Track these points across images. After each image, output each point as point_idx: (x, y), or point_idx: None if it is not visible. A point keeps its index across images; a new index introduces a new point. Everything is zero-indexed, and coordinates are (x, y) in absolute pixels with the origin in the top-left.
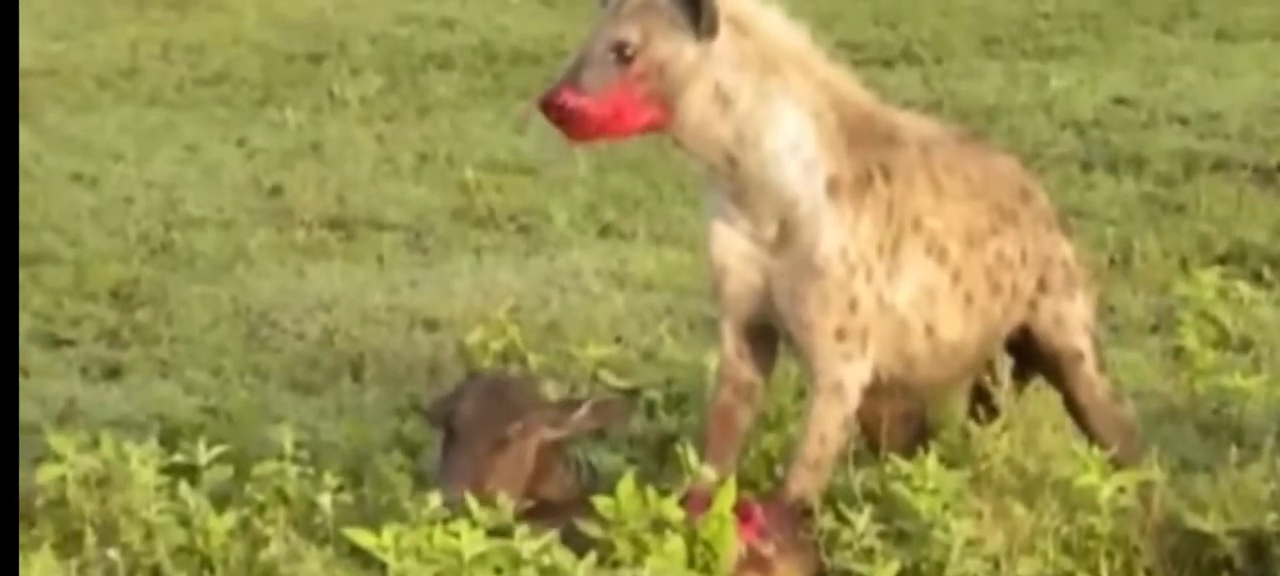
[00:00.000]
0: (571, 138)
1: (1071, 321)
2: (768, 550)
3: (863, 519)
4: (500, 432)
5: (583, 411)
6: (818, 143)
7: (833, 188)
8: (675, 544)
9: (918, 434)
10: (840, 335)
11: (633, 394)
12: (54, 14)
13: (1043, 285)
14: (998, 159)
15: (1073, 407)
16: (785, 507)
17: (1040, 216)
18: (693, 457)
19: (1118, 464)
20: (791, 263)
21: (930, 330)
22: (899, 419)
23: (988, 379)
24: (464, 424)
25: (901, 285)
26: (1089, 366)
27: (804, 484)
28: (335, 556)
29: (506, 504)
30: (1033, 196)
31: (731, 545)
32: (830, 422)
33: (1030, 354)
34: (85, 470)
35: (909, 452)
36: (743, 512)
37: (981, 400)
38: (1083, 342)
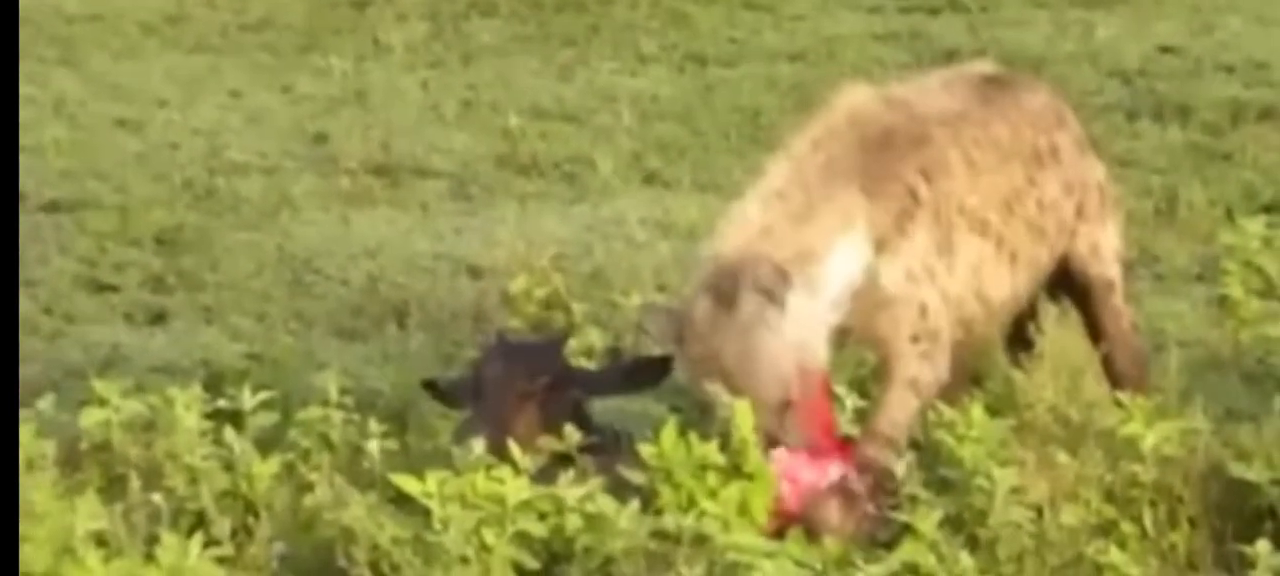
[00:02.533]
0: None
1: (1106, 250)
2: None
3: (905, 466)
4: (526, 387)
5: (616, 376)
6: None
7: (881, 245)
8: (731, 490)
9: (964, 381)
10: (914, 339)
11: (665, 359)
12: None
13: (1080, 210)
14: (1024, 97)
15: (1095, 334)
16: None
17: (1076, 141)
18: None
19: (1135, 395)
20: (863, 303)
21: (982, 296)
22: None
23: (1031, 326)
24: (491, 379)
25: (957, 269)
26: (1118, 296)
27: (874, 453)
28: (379, 502)
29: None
30: (1067, 121)
31: (772, 488)
32: (902, 411)
33: (1062, 280)
34: (130, 415)
35: (955, 399)
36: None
37: (1019, 340)
38: (1114, 271)
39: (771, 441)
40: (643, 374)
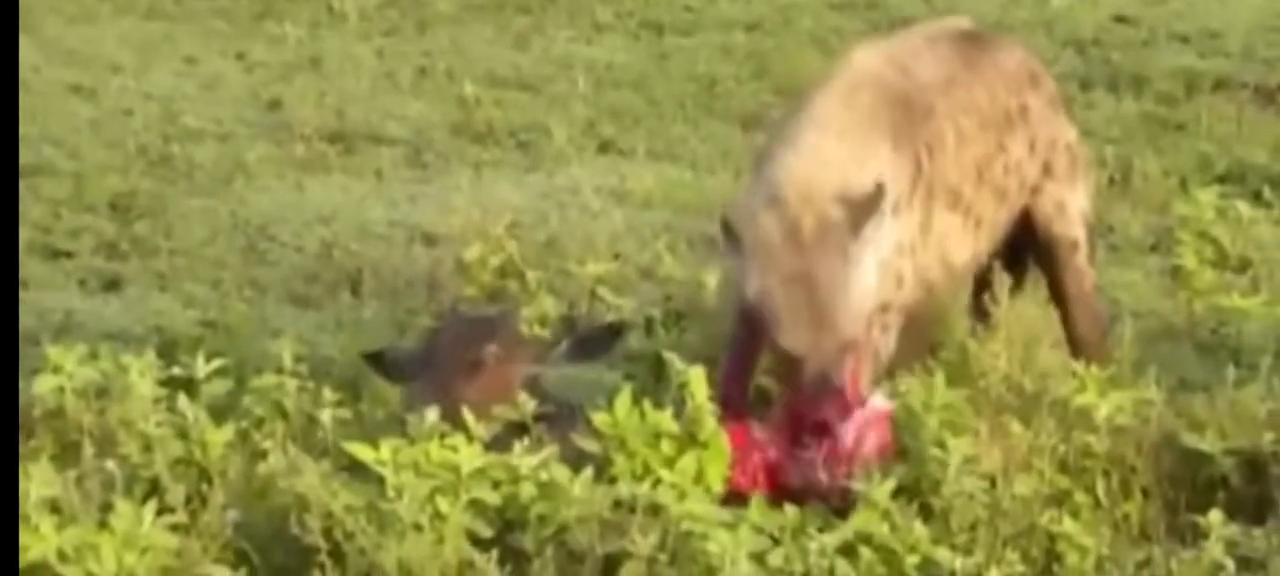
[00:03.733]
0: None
1: (1072, 210)
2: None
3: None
4: (474, 357)
5: (564, 347)
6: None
7: (895, 209)
8: (686, 459)
9: (922, 350)
10: (884, 308)
11: (617, 328)
12: None
13: (1047, 169)
14: (1002, 55)
15: (1057, 295)
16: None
17: (1049, 101)
18: (691, 374)
19: (1090, 359)
20: None
21: (946, 261)
22: (915, 341)
23: (987, 296)
24: (439, 349)
25: (929, 244)
26: (1081, 257)
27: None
28: (333, 469)
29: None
30: (1041, 80)
31: (726, 457)
32: (862, 378)
33: (1026, 239)
34: (83, 382)
35: (912, 368)
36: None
37: (980, 314)
38: (1079, 232)
39: (799, 398)
40: (594, 343)
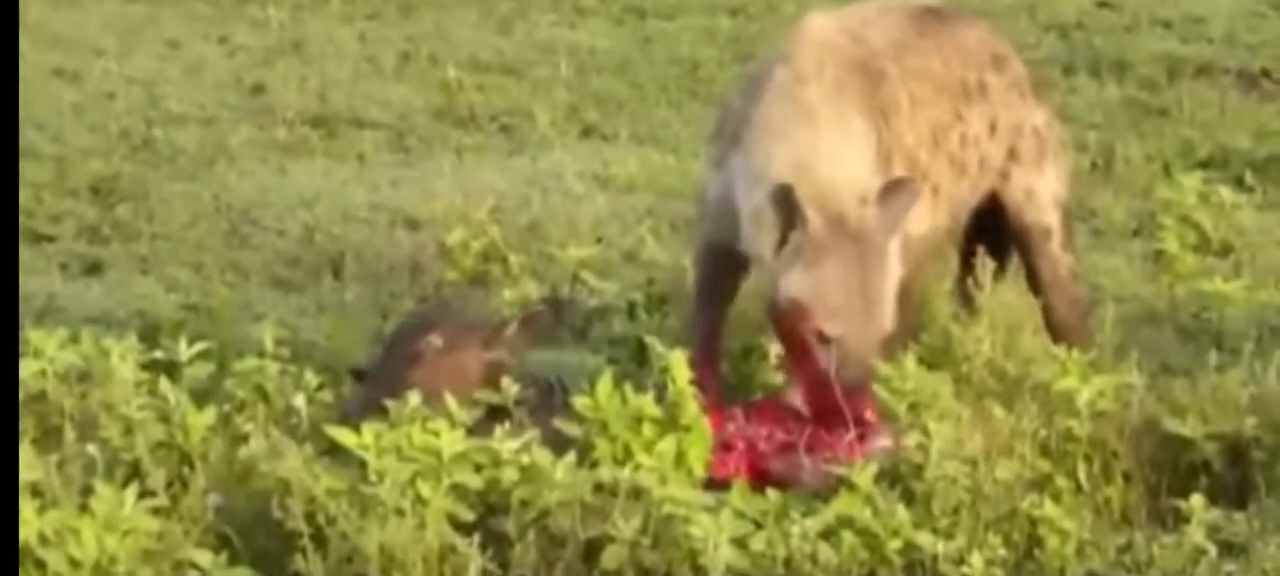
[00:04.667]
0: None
1: (1042, 196)
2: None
3: None
4: (413, 349)
5: (512, 329)
6: None
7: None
8: (667, 443)
9: (903, 334)
10: None
11: (556, 302)
12: None
13: (1013, 154)
14: (965, 32)
15: (1032, 281)
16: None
17: (1013, 84)
18: (672, 357)
19: (1070, 344)
20: None
21: (904, 231)
22: None
23: (970, 281)
24: (390, 342)
25: None
26: (1055, 243)
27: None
28: (315, 453)
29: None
30: (1006, 63)
31: (707, 441)
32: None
33: (1000, 226)
34: (65, 365)
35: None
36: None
37: (963, 299)
38: (1051, 218)
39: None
40: (538, 322)
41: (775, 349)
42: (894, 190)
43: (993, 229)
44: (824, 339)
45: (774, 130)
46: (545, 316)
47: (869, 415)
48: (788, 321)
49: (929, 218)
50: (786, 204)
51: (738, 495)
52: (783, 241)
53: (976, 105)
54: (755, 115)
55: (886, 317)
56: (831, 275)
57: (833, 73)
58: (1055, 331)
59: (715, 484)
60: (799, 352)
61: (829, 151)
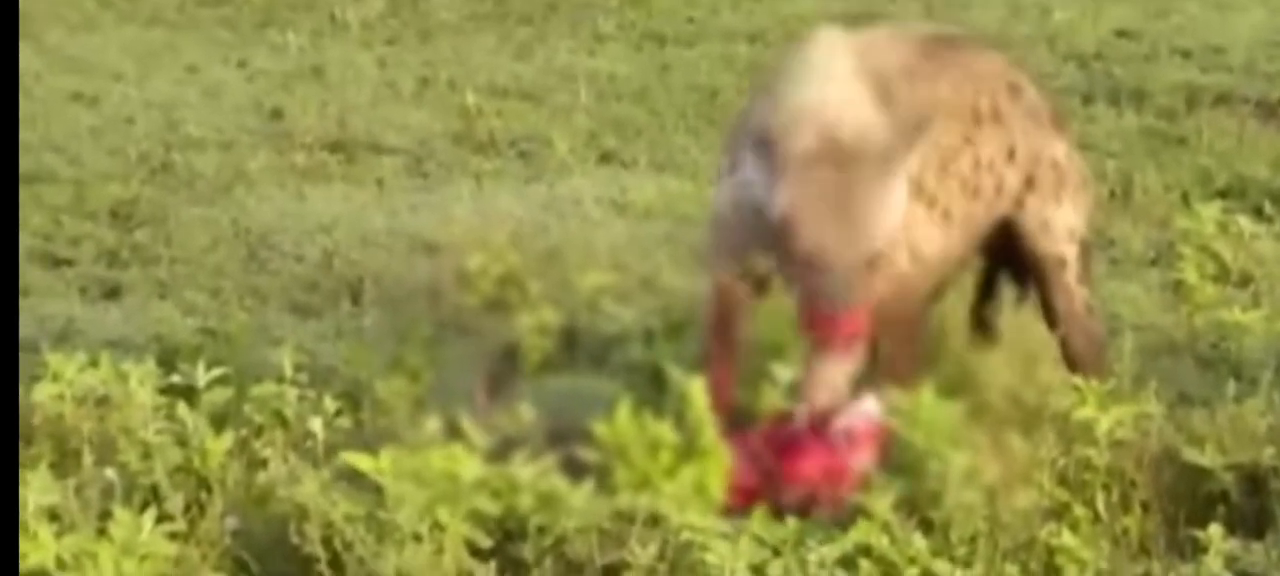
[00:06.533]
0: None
1: (1058, 228)
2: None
3: None
4: None
5: (481, 397)
6: None
7: None
8: (687, 470)
9: (917, 360)
10: None
11: (511, 350)
12: None
13: (1030, 183)
14: (978, 61)
15: (1047, 312)
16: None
17: (1030, 113)
18: (690, 384)
19: (1086, 376)
20: None
21: (914, 254)
22: (899, 343)
23: (988, 309)
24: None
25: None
26: (1070, 275)
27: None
28: (332, 479)
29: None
30: (1022, 92)
31: (726, 467)
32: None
33: (1016, 255)
34: (83, 389)
35: (910, 379)
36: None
37: (981, 325)
38: (1067, 250)
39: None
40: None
41: (784, 373)
42: (908, 125)
43: (1014, 257)
44: (810, 257)
45: (790, 82)
46: (503, 374)
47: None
48: (782, 243)
49: (941, 240)
50: (759, 145)
51: (757, 522)
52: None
53: (989, 129)
54: (760, 99)
55: (873, 238)
56: (815, 188)
57: (843, 66)
58: (1070, 363)
59: (738, 509)
60: (794, 274)
61: (837, 97)
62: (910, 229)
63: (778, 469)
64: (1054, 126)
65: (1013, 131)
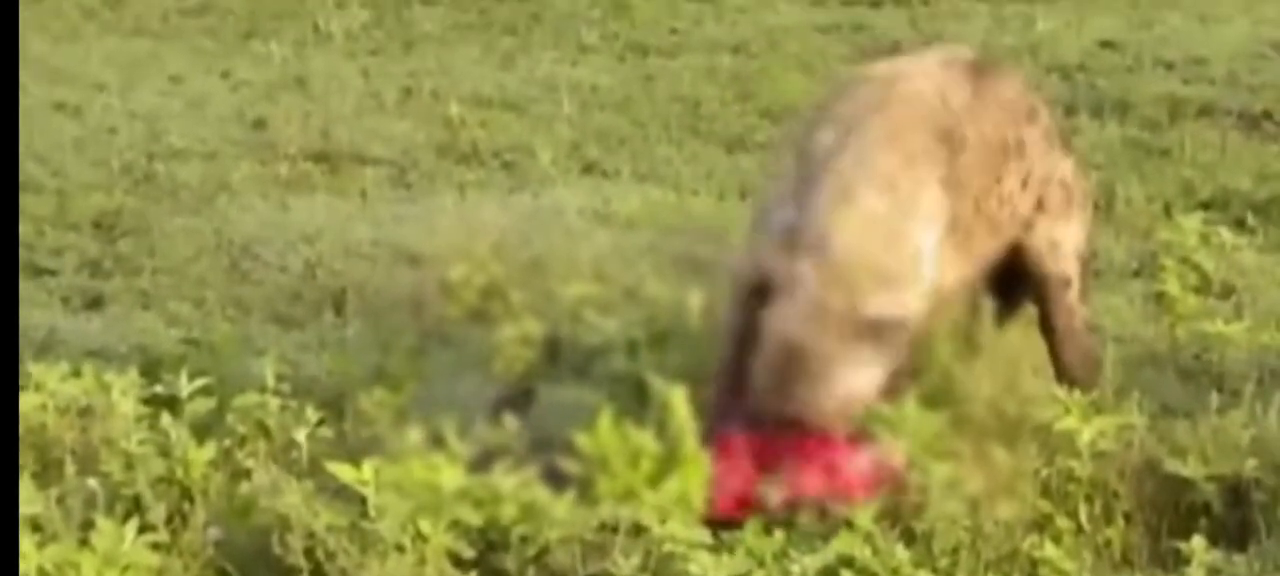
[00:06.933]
0: None
1: (1066, 247)
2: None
3: None
4: None
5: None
6: None
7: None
8: (669, 482)
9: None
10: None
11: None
12: None
13: (1041, 204)
14: (1002, 86)
15: (1046, 329)
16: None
17: (1044, 135)
18: (672, 394)
19: (1081, 394)
20: None
21: (937, 287)
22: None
23: (972, 322)
24: None
25: None
26: (1072, 294)
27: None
28: (315, 489)
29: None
30: (1038, 114)
31: (707, 478)
32: None
33: (1018, 270)
34: (66, 400)
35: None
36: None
37: (965, 337)
38: (1071, 269)
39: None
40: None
41: None
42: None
43: (1005, 273)
44: None
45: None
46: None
47: None
48: None
49: (960, 267)
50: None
51: (748, 534)
52: None
53: (1013, 163)
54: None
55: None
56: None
57: (919, 139)
58: (1063, 379)
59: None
60: None
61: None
62: (938, 256)
63: (789, 468)
64: (1063, 146)
65: (1031, 159)
